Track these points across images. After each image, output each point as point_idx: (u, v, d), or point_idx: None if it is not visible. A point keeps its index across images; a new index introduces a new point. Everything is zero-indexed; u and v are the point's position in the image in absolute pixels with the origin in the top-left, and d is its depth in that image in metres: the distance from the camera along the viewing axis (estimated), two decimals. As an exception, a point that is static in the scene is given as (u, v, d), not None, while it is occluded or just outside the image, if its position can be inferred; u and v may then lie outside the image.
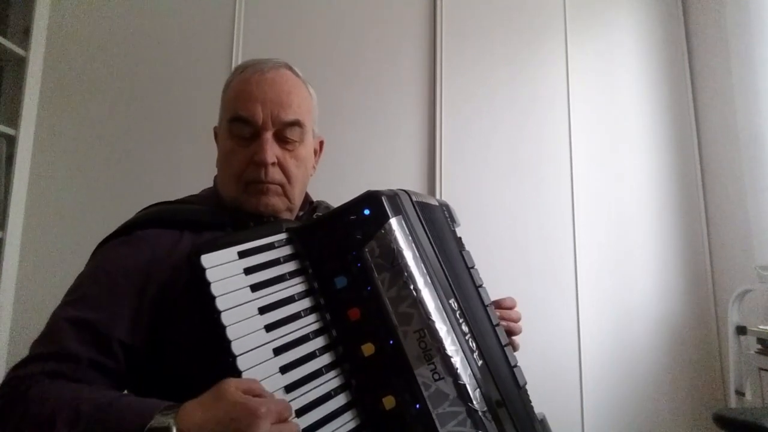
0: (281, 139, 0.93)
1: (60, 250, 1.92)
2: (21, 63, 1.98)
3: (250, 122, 0.91)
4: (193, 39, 2.12)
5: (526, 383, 0.93)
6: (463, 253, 0.99)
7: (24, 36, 2.01)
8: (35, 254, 1.92)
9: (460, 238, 1.02)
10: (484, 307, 0.95)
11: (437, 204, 1.01)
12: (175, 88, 2.08)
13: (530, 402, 0.93)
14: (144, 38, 2.10)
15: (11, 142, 1.92)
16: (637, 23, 2.43)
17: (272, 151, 0.91)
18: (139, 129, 2.04)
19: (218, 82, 2.02)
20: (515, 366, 0.93)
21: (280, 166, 0.93)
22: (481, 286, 0.97)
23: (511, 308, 1.04)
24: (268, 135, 0.91)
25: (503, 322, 0.99)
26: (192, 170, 1.99)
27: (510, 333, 1.01)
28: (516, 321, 1.04)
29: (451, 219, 1.04)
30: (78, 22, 2.08)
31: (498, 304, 1.03)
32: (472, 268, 0.98)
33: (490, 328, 0.93)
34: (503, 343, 0.94)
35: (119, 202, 1.96)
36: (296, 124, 0.94)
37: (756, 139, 2.06)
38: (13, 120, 1.93)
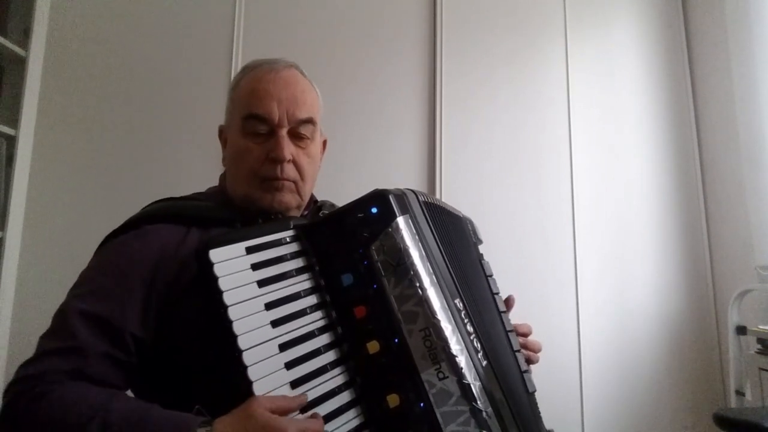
0: (295, 136, 0.95)
1: (60, 250, 1.91)
2: (21, 63, 1.96)
3: (266, 120, 0.92)
4: (193, 39, 2.12)
5: (535, 390, 0.94)
6: (483, 262, 1.03)
7: (24, 36, 2.00)
8: (35, 254, 1.91)
9: (482, 254, 1.05)
10: (499, 313, 0.97)
11: (461, 216, 1.05)
12: (175, 88, 2.08)
13: (538, 409, 0.94)
14: (144, 38, 2.10)
15: (11, 142, 1.91)
16: (637, 23, 2.44)
17: (288, 148, 0.92)
18: (139, 129, 2.04)
19: (218, 82, 2.05)
20: (525, 371, 0.94)
21: (294, 163, 0.94)
22: (497, 293, 1.00)
23: (527, 335, 1.06)
24: (284, 132, 0.92)
25: (523, 350, 1.01)
26: (192, 170, 1.99)
27: (528, 361, 1.02)
28: (536, 351, 1.05)
29: (474, 233, 1.08)
30: (78, 22, 2.07)
31: (518, 329, 1.05)
32: (491, 276, 1.02)
33: (503, 332, 0.96)
34: (515, 349, 0.95)
35: (119, 201, 1.95)
36: (309, 121, 0.96)
37: (756, 139, 2.06)
38: (13, 120, 1.92)
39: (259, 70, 0.97)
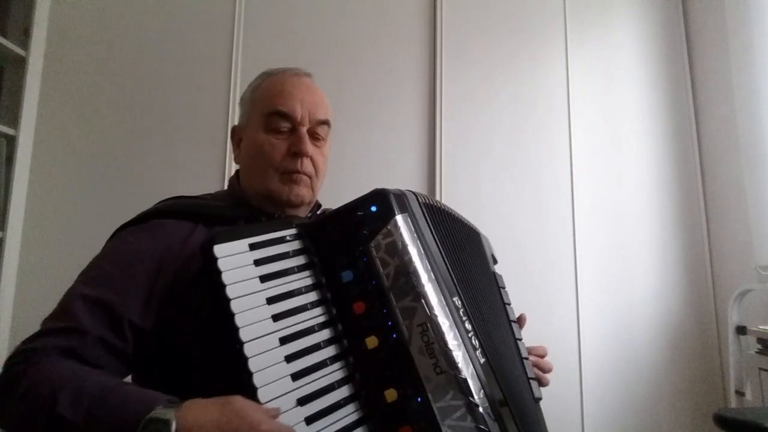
0: (312, 136, 1.02)
1: (60, 250, 1.91)
2: (21, 63, 1.97)
3: (289, 117, 0.99)
4: (193, 39, 2.12)
5: (541, 398, 0.95)
6: (496, 274, 1.06)
7: (24, 36, 2.00)
8: (35, 254, 1.91)
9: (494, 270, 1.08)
10: (509, 321, 1.00)
11: (477, 230, 1.09)
12: (175, 88, 2.08)
13: (543, 417, 0.95)
14: (144, 38, 2.10)
15: (11, 142, 1.91)
16: (637, 23, 2.44)
17: (309, 144, 0.99)
18: (139, 129, 2.04)
19: (218, 82, 2.05)
20: (532, 378, 0.96)
21: (311, 159, 1.01)
22: (509, 304, 1.03)
23: (542, 356, 1.09)
24: (305, 130, 1.00)
25: (535, 370, 1.03)
26: (192, 170, 1.98)
27: (539, 381, 1.04)
28: (547, 371, 1.08)
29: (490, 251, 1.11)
30: (78, 22, 2.08)
31: (533, 351, 1.07)
32: (503, 288, 1.05)
33: (510, 338, 0.98)
34: (523, 356, 0.97)
35: (119, 201, 1.95)
36: (326, 123, 1.04)
37: (756, 139, 2.06)
38: (13, 120, 1.92)
39: (282, 74, 1.05)
